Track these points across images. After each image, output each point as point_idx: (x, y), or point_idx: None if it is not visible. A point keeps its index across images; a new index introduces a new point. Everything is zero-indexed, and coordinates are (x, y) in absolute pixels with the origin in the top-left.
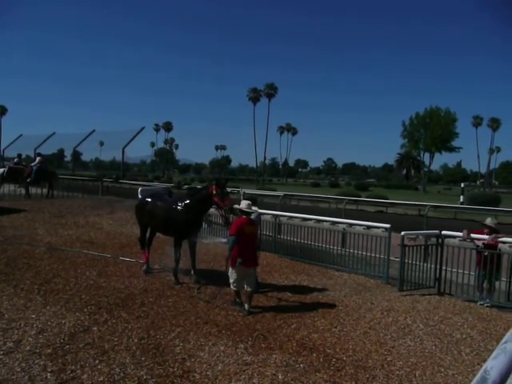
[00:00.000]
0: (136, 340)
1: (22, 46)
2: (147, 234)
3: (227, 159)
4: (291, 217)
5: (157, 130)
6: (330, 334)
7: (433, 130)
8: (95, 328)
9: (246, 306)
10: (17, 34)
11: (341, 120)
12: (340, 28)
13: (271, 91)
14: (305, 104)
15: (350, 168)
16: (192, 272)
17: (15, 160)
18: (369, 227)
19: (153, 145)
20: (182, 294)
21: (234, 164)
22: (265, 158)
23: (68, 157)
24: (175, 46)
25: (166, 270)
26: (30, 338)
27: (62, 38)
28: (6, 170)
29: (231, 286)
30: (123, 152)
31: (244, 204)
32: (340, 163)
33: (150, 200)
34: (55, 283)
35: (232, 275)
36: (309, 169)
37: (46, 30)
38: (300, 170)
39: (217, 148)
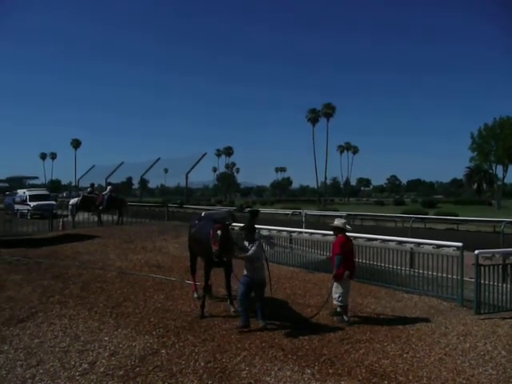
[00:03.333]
0: (203, 363)
1: (95, 78)
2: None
3: (288, 181)
4: (355, 237)
5: (218, 155)
6: (402, 360)
7: (505, 141)
8: (163, 351)
9: (346, 317)
10: (93, 66)
11: (403, 136)
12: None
13: (329, 111)
14: (364, 122)
15: (416, 184)
16: (228, 302)
17: (88, 189)
18: (439, 246)
19: (215, 170)
20: None
21: (295, 185)
22: (325, 178)
23: (136, 184)
24: (233, 75)
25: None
26: (103, 360)
27: (130, 70)
28: (80, 198)
29: (336, 302)
30: (187, 178)
31: (341, 222)
32: (404, 180)
33: (195, 223)
34: (126, 306)
35: (338, 290)
36: (371, 187)
37: (116, 59)
38: (362, 188)
39: (277, 170)
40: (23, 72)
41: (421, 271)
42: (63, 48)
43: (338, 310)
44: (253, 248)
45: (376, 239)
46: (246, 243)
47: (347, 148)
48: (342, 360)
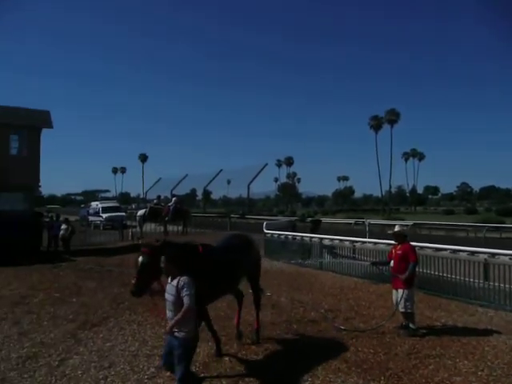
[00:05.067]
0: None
1: (160, 93)
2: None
3: (350, 190)
4: (421, 247)
5: (279, 165)
6: (476, 378)
7: None
8: (226, 358)
9: (413, 325)
10: (159, 81)
11: (474, 140)
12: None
13: (393, 117)
14: (430, 127)
15: (489, 192)
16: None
17: (155, 201)
18: None
19: (276, 180)
20: (309, 327)
21: (358, 194)
22: (390, 187)
23: (199, 196)
24: (292, 88)
25: (293, 302)
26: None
27: (189, 85)
28: (147, 210)
29: (408, 310)
30: (248, 188)
31: (403, 228)
32: (476, 187)
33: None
34: None
35: (410, 298)
36: (440, 195)
37: (178, 77)
38: (430, 197)
39: (339, 179)
40: (100, 87)
41: (496, 284)
42: (136, 64)
43: (412, 326)
44: (186, 290)
45: (445, 249)
46: (170, 281)
47: (413, 155)
48: (410, 375)
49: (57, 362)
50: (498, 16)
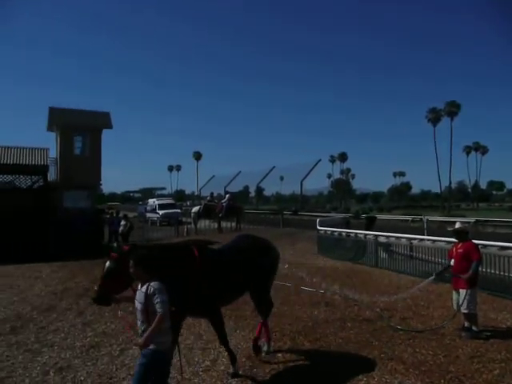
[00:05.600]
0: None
1: (212, 92)
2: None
3: (407, 185)
4: (485, 245)
5: (332, 161)
6: None
7: None
8: (280, 355)
9: (476, 328)
10: (209, 80)
11: None
12: None
13: (453, 109)
14: (495, 119)
15: None
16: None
17: (208, 198)
18: None
19: (329, 176)
20: (363, 326)
21: (415, 190)
22: (450, 182)
23: (252, 192)
24: (346, 85)
25: (347, 300)
26: (223, 359)
27: (245, 85)
28: (201, 206)
29: (470, 311)
30: (301, 185)
31: (464, 225)
32: None
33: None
34: (244, 310)
35: (473, 298)
36: (505, 191)
37: (236, 76)
38: (494, 192)
39: (395, 174)
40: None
41: None
42: (192, 63)
43: (474, 328)
44: (157, 296)
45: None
46: (140, 287)
47: (475, 148)
48: (473, 380)
49: (117, 352)
50: None
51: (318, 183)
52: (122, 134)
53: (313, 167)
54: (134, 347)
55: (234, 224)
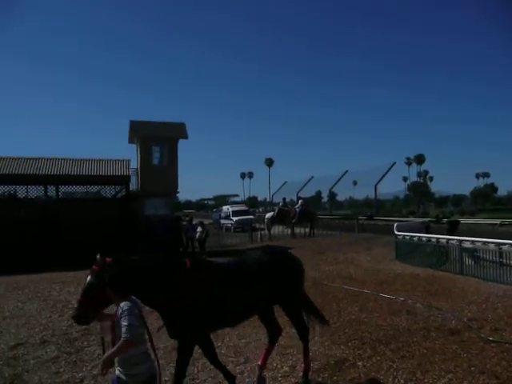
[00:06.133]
0: (402, 381)
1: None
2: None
3: (492, 187)
4: None
5: (408, 163)
6: None
7: None
8: (360, 363)
9: None
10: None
11: None
12: None
13: None
14: None
15: None
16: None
17: (281, 204)
18: None
19: (405, 179)
20: (450, 337)
21: (501, 192)
22: None
23: (325, 198)
24: (427, 88)
25: (430, 308)
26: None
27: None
28: (275, 212)
29: None
30: (375, 189)
31: None
32: None
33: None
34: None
35: None
36: None
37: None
38: None
39: (478, 176)
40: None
41: None
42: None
43: None
44: (124, 319)
45: None
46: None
47: None
48: None
49: (197, 354)
50: None
51: (393, 187)
52: (196, 144)
53: (387, 170)
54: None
55: (307, 230)
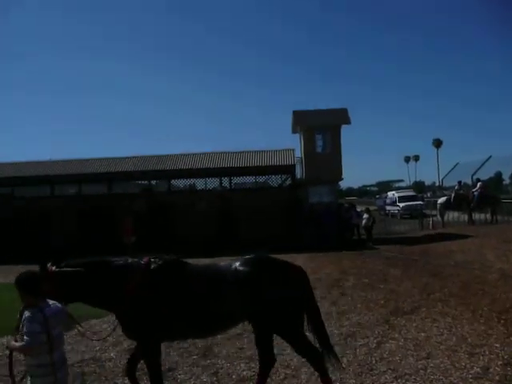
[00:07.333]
0: None
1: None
2: None
3: None
4: None
5: None
6: None
7: None
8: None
9: None
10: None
11: None
12: None
13: None
14: None
15: None
16: None
17: (456, 187)
18: None
19: None
20: None
21: None
22: None
23: (506, 180)
24: None
25: None
26: (497, 368)
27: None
28: (452, 196)
29: None
30: None
31: None
32: None
33: None
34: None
35: None
36: None
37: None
38: None
39: None
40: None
41: None
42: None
43: None
44: (24, 326)
45: None
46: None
47: None
48: None
49: (374, 344)
50: None
51: None
52: (360, 131)
53: None
54: (390, 341)
55: (488, 215)
